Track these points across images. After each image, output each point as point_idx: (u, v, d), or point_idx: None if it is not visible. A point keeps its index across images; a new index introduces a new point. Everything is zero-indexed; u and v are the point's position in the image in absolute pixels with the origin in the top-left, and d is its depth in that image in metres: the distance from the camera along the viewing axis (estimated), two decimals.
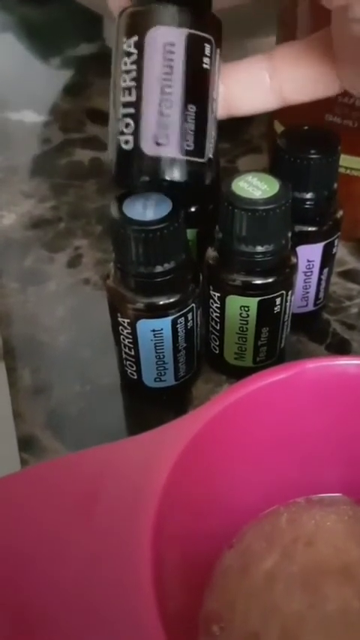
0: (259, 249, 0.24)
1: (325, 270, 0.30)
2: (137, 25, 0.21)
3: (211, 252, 0.26)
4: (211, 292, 0.26)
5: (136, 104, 0.20)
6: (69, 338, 0.31)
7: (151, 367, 0.26)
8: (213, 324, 0.27)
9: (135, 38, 0.21)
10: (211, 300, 0.26)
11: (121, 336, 0.25)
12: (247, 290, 0.25)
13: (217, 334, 0.28)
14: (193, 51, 0.21)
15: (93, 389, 0.29)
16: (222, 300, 0.26)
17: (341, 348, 0.30)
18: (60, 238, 0.36)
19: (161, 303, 0.24)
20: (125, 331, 0.25)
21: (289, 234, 0.25)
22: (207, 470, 0.19)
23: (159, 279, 0.23)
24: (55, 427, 0.27)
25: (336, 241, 0.29)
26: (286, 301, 0.26)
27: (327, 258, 0.29)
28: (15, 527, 0.18)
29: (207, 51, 0.21)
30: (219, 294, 0.26)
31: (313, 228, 0.28)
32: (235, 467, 0.20)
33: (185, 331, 0.25)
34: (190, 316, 0.25)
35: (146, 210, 0.22)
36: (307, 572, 0.21)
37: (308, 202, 0.27)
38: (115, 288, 0.24)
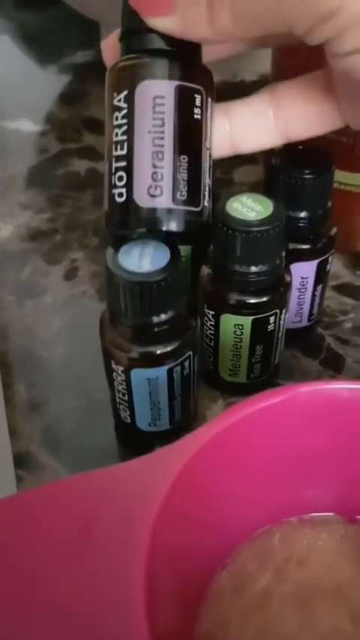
0: (253, 269, 0.24)
1: (319, 287, 0.30)
2: (126, 79, 0.21)
3: (205, 270, 0.26)
4: (206, 310, 0.26)
5: (128, 157, 0.21)
6: (65, 352, 0.31)
7: (145, 413, 0.25)
8: (207, 340, 0.28)
9: (125, 92, 0.21)
10: (206, 318, 0.27)
11: (115, 382, 0.25)
12: (241, 309, 0.26)
13: (212, 351, 0.28)
14: (183, 103, 0.21)
15: (89, 404, 0.29)
16: (216, 318, 0.26)
17: (335, 363, 0.30)
18: (56, 250, 0.36)
19: (157, 352, 0.23)
20: (119, 378, 0.24)
21: (283, 254, 0.25)
22: (202, 493, 0.19)
23: (155, 330, 0.23)
24: (51, 443, 0.27)
25: (330, 258, 0.29)
26: (280, 319, 0.26)
27: (321, 275, 0.29)
28: (9, 551, 0.18)
29: (197, 101, 0.21)
30: (213, 312, 0.26)
31: (307, 246, 0.28)
32: (229, 489, 0.21)
33: (181, 379, 0.25)
34: (186, 364, 0.24)
35: (142, 259, 0.22)
36: (300, 592, 0.22)
37: (302, 221, 0.27)
38: (109, 335, 0.24)
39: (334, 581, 0.22)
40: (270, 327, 0.26)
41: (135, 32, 0.21)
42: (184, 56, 0.21)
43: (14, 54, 0.57)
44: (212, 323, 0.27)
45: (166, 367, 0.24)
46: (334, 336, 0.32)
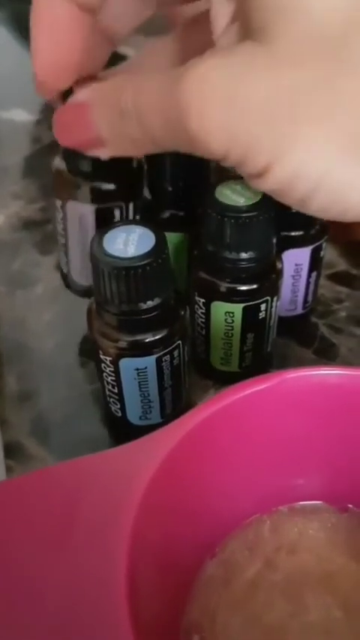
0: (244, 255, 0.24)
1: (314, 274, 0.30)
2: (61, 190, 0.25)
3: (196, 257, 0.26)
4: (196, 298, 0.26)
5: (65, 247, 0.26)
6: (56, 343, 0.31)
7: (135, 405, 0.25)
8: (199, 329, 0.27)
9: (60, 202, 0.25)
10: (197, 306, 0.26)
11: (104, 374, 0.24)
12: (231, 296, 0.25)
13: (203, 339, 0.27)
14: (101, 221, 0.24)
15: (79, 395, 0.29)
16: (207, 305, 0.26)
17: (329, 352, 0.30)
18: (48, 240, 0.36)
19: (146, 341, 0.23)
20: (108, 369, 0.24)
21: (274, 241, 0.25)
22: (187, 481, 0.19)
23: (142, 317, 0.22)
24: (41, 434, 0.27)
25: (323, 244, 0.29)
26: (272, 307, 0.26)
27: (315, 262, 0.29)
28: None
29: (117, 216, 0.24)
30: (204, 300, 0.26)
31: (300, 233, 0.28)
32: (216, 477, 0.20)
33: (171, 369, 0.24)
34: (176, 353, 0.24)
35: (128, 245, 0.21)
36: (290, 582, 0.21)
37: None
38: (96, 325, 0.23)
39: (325, 570, 0.22)
40: (261, 315, 0.26)
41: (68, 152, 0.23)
42: (106, 179, 0.24)
43: (7, 44, 0.57)
44: (203, 311, 0.26)
45: (155, 356, 0.23)
46: (328, 325, 0.31)
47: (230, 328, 0.26)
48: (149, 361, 0.23)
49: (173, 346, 0.24)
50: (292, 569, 0.22)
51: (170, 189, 0.27)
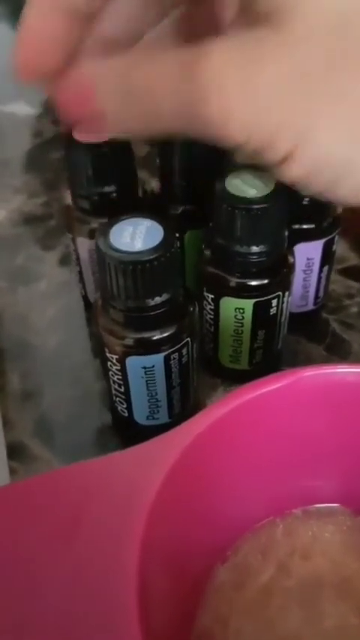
0: (254, 249, 0.23)
1: (325, 268, 0.29)
2: (71, 225, 0.27)
3: (204, 251, 0.25)
4: (205, 294, 0.25)
5: (80, 274, 0.29)
6: (60, 340, 0.30)
7: (142, 405, 0.24)
8: (207, 326, 0.26)
9: (71, 236, 0.28)
10: (205, 302, 0.26)
11: (110, 372, 0.23)
12: (241, 292, 0.24)
13: (212, 336, 0.27)
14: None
15: (84, 393, 0.28)
16: (216, 301, 0.25)
17: (340, 348, 0.29)
18: (51, 236, 0.35)
19: (153, 338, 0.22)
20: (114, 367, 0.23)
21: (286, 234, 0.24)
22: (198, 484, 0.18)
23: (150, 314, 0.21)
24: (45, 434, 0.26)
25: (336, 238, 0.28)
26: (283, 302, 0.25)
27: (327, 256, 0.28)
28: (1, 542, 0.17)
29: None
30: (212, 296, 0.25)
31: (312, 226, 0.27)
32: (228, 479, 0.19)
33: (179, 367, 0.23)
34: (184, 351, 0.23)
35: (135, 239, 0.20)
36: (304, 587, 0.21)
37: (307, 199, 0.26)
38: (102, 322, 0.22)
39: (340, 576, 0.21)
40: (272, 311, 0.25)
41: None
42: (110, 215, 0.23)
43: (8, 38, 0.56)
44: (212, 307, 0.25)
45: (163, 354, 0.22)
46: (340, 321, 0.30)
47: (240, 325, 0.25)
48: (157, 359, 0.22)
49: (182, 344, 0.23)
50: (306, 574, 0.21)
51: (184, 183, 0.26)
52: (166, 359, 0.22)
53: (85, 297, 0.30)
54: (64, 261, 0.34)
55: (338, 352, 0.29)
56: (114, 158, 0.25)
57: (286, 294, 0.25)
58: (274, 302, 0.25)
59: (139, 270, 0.20)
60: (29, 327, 0.31)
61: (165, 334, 0.22)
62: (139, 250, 0.20)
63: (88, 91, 0.17)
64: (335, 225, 0.27)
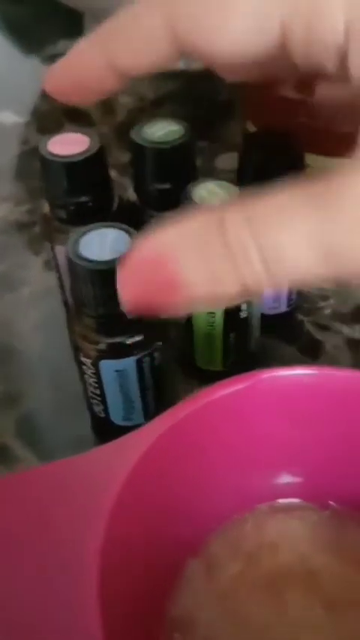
0: None
1: None
2: (50, 234, 0.27)
3: None
4: None
5: (60, 280, 0.29)
6: (42, 344, 0.31)
7: (117, 406, 0.25)
8: (182, 329, 0.27)
9: (50, 245, 0.28)
10: None
11: (85, 375, 0.24)
12: None
13: (187, 339, 0.28)
14: None
15: (65, 396, 0.29)
16: None
17: (314, 349, 0.30)
18: (35, 242, 0.36)
19: (126, 342, 0.23)
20: (89, 371, 0.24)
21: None
22: (164, 480, 0.19)
23: (121, 320, 0.21)
24: (27, 436, 0.27)
25: None
26: (253, 306, 0.26)
27: None
28: None
29: None
30: None
31: None
32: (194, 476, 0.20)
33: (152, 370, 0.24)
34: (156, 354, 0.24)
35: (103, 248, 0.21)
36: (272, 579, 0.22)
37: None
38: (76, 328, 0.23)
39: (307, 568, 0.22)
40: (242, 314, 0.26)
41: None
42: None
43: (1, 51, 0.57)
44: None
45: (134, 357, 0.23)
46: (314, 323, 0.31)
47: (212, 328, 0.26)
48: (128, 363, 0.23)
49: (153, 347, 0.24)
50: (274, 566, 0.22)
51: (156, 191, 0.27)
52: (138, 362, 0.23)
53: (66, 303, 0.31)
54: (48, 266, 0.35)
55: (312, 353, 0.30)
56: (88, 169, 0.26)
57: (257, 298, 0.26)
58: (244, 306, 0.26)
59: (107, 277, 0.21)
60: (13, 331, 0.32)
61: (136, 339, 0.23)
62: (106, 260, 0.21)
63: (165, 267, 0.14)
64: None
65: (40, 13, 0.58)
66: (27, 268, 0.35)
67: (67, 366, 0.30)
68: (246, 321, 0.26)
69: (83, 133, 0.26)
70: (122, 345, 0.23)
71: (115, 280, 0.21)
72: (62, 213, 0.27)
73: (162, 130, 0.26)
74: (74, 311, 0.23)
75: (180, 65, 0.50)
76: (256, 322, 0.27)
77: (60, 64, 0.17)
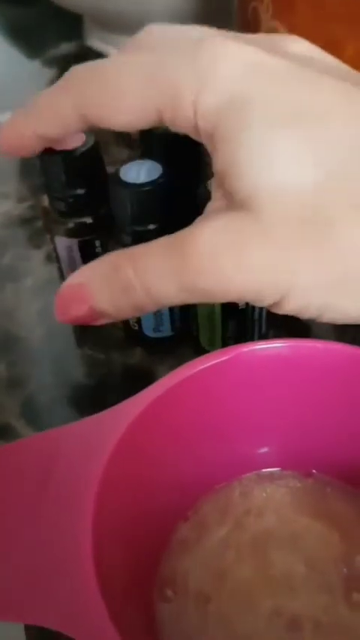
0: None
1: None
2: (49, 226, 0.30)
3: None
4: None
5: (60, 270, 0.32)
6: (44, 332, 0.33)
7: (149, 318, 0.29)
8: (192, 307, 0.29)
9: (49, 236, 0.30)
10: None
11: None
12: None
13: (194, 318, 0.29)
14: (86, 251, 0.29)
15: (66, 380, 0.30)
16: None
17: (302, 332, 0.32)
18: (37, 236, 0.38)
19: None
20: None
21: None
22: (152, 449, 0.21)
23: (151, 235, 0.25)
24: (30, 416, 0.29)
25: None
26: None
27: None
28: None
29: (97, 247, 0.29)
30: None
31: None
32: (180, 447, 0.22)
33: None
34: None
35: (140, 174, 0.26)
36: (257, 540, 0.23)
37: None
38: (116, 245, 0.27)
39: (290, 530, 0.23)
40: (241, 305, 0.27)
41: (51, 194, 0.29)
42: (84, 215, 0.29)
43: (1, 47, 0.59)
44: None
45: None
46: None
47: (212, 313, 0.28)
48: None
49: None
50: (259, 529, 0.23)
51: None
52: None
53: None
54: (49, 259, 0.37)
55: (299, 335, 0.31)
56: (85, 163, 0.28)
57: None
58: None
59: (143, 198, 0.25)
60: (16, 320, 0.33)
61: None
62: (142, 183, 0.25)
63: (82, 297, 0.20)
64: None
65: (41, 17, 0.60)
66: (29, 260, 0.37)
67: (67, 353, 0.32)
68: (245, 313, 0.28)
69: None
70: None
71: (149, 200, 0.26)
72: (61, 206, 0.29)
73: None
74: (116, 229, 0.27)
75: None
76: (259, 317, 0.28)
77: (2, 133, 0.23)
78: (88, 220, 0.29)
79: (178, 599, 0.22)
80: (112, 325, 0.32)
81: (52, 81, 0.52)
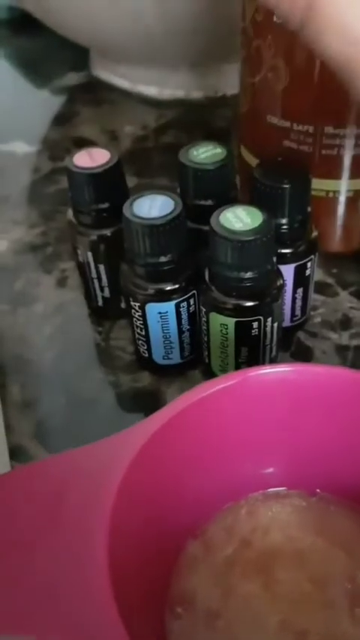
0: (235, 274, 0.26)
1: (300, 290, 0.32)
2: (74, 238, 0.33)
3: (205, 272, 0.28)
4: (200, 307, 0.29)
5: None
6: (55, 355, 0.34)
7: (159, 346, 0.30)
8: (203, 335, 0.30)
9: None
10: (202, 314, 0.29)
11: (134, 319, 0.30)
12: (224, 310, 0.27)
13: (206, 345, 0.30)
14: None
15: (77, 402, 0.31)
16: (207, 315, 0.28)
17: (304, 355, 0.33)
18: (48, 262, 0.39)
19: (167, 289, 0.28)
20: (137, 314, 0.29)
21: (269, 265, 0.27)
22: (163, 470, 0.22)
23: (164, 268, 0.28)
24: (42, 437, 0.30)
25: (309, 263, 0.31)
26: (265, 326, 0.28)
27: (300, 278, 0.31)
28: None
29: None
30: (205, 309, 0.28)
31: (287, 250, 0.30)
32: (190, 468, 0.23)
33: (188, 314, 0.29)
34: (192, 301, 0.29)
35: (152, 209, 0.27)
36: (264, 558, 0.24)
37: (283, 227, 0.29)
38: (128, 278, 0.29)
39: (295, 548, 0.24)
40: (254, 332, 0.28)
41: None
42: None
43: (9, 79, 0.61)
44: (205, 319, 0.29)
45: (173, 302, 0.29)
46: (304, 330, 0.34)
47: (225, 339, 0.28)
48: (169, 306, 0.29)
49: (189, 294, 0.29)
50: (265, 547, 0.24)
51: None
52: (177, 306, 0.29)
53: (87, 294, 0.35)
54: (60, 284, 0.38)
55: (302, 358, 0.33)
56: (108, 179, 0.30)
57: (269, 319, 0.28)
58: (255, 324, 0.28)
59: (155, 232, 0.26)
60: (28, 344, 0.34)
61: (176, 285, 0.28)
62: (154, 217, 0.26)
63: None
64: (309, 251, 0.31)
65: (48, 48, 0.62)
66: (40, 286, 0.38)
67: (78, 375, 0.33)
68: (258, 339, 0.28)
69: (103, 148, 0.31)
70: (164, 290, 0.28)
71: (161, 235, 0.26)
72: (85, 219, 0.31)
73: (206, 153, 0.30)
74: (128, 262, 0.29)
75: (180, 95, 0.53)
76: (270, 342, 0.29)
77: None
78: (108, 233, 0.31)
79: (188, 616, 0.22)
80: (123, 351, 0.33)
81: (59, 111, 0.54)
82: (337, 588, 0.23)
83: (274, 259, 0.28)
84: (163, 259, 0.28)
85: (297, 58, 0.31)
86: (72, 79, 0.58)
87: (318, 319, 0.34)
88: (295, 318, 0.33)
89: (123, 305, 0.31)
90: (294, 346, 0.33)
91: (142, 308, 0.29)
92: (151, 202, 0.27)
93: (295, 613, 0.22)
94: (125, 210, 0.27)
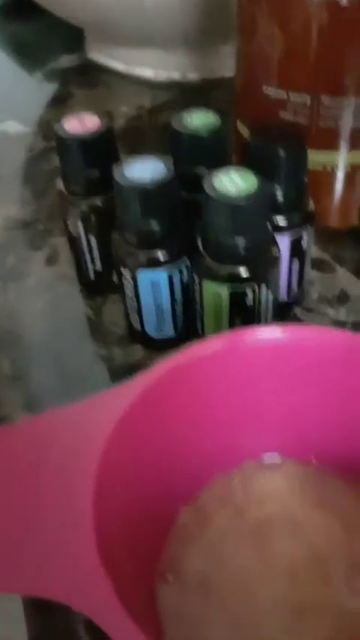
0: (229, 240, 0.26)
1: (296, 263, 0.31)
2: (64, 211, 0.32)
3: (198, 240, 0.28)
4: (194, 275, 0.28)
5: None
6: (47, 330, 0.33)
7: (151, 318, 0.29)
8: (197, 307, 0.29)
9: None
10: (195, 285, 0.28)
11: (126, 290, 0.29)
12: (218, 277, 0.27)
13: (200, 317, 0.29)
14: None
15: (69, 376, 0.31)
16: (200, 284, 0.27)
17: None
18: (39, 238, 0.39)
19: (158, 256, 0.27)
20: (129, 284, 0.28)
21: (264, 232, 0.26)
22: (150, 434, 0.21)
23: (155, 235, 0.27)
24: (32, 409, 0.29)
25: (305, 235, 0.30)
26: (260, 296, 0.27)
27: (296, 251, 0.30)
28: None
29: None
30: (198, 278, 0.27)
31: (282, 219, 0.29)
32: (182, 431, 0.22)
33: (181, 285, 0.29)
34: (185, 272, 0.28)
35: (143, 173, 0.26)
36: (258, 528, 0.23)
37: (278, 195, 0.28)
38: (120, 244, 0.28)
39: (290, 517, 0.24)
40: (248, 301, 0.27)
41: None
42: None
43: (2, 62, 0.60)
44: (198, 288, 0.28)
45: (166, 271, 0.28)
46: (301, 306, 0.33)
47: (219, 309, 0.28)
48: (161, 276, 0.28)
49: (181, 264, 0.28)
50: (260, 517, 0.24)
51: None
52: (170, 278, 0.28)
53: (78, 267, 0.34)
54: (49, 261, 0.37)
55: None
56: (99, 146, 0.29)
57: (263, 288, 0.27)
58: (250, 292, 0.27)
59: (147, 197, 0.25)
60: (18, 319, 0.34)
61: (167, 253, 0.27)
62: (146, 181, 0.25)
63: None
64: (305, 221, 0.30)
65: (42, 30, 0.61)
66: (30, 262, 0.37)
67: (69, 350, 0.32)
68: (252, 309, 0.27)
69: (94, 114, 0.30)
70: (156, 258, 0.27)
71: (152, 199, 0.25)
72: (75, 187, 0.30)
73: (199, 120, 0.29)
74: (119, 230, 0.28)
75: (176, 77, 0.53)
76: (266, 312, 0.28)
77: None
78: (99, 203, 0.30)
79: (178, 584, 0.22)
80: (115, 325, 0.33)
81: (54, 93, 0.53)
82: (333, 560, 0.22)
83: (269, 227, 0.27)
84: (154, 225, 0.27)
85: (292, 24, 0.30)
86: (66, 61, 0.57)
87: (315, 295, 0.34)
88: (290, 293, 0.32)
89: (115, 279, 0.30)
90: (291, 320, 0.33)
91: (134, 277, 0.28)
92: (142, 166, 0.26)
93: (291, 585, 0.22)
94: (116, 174, 0.26)
